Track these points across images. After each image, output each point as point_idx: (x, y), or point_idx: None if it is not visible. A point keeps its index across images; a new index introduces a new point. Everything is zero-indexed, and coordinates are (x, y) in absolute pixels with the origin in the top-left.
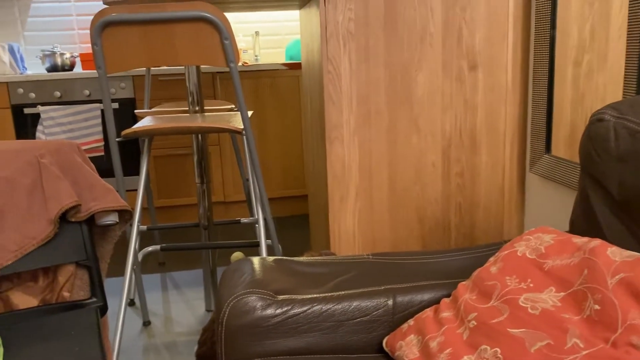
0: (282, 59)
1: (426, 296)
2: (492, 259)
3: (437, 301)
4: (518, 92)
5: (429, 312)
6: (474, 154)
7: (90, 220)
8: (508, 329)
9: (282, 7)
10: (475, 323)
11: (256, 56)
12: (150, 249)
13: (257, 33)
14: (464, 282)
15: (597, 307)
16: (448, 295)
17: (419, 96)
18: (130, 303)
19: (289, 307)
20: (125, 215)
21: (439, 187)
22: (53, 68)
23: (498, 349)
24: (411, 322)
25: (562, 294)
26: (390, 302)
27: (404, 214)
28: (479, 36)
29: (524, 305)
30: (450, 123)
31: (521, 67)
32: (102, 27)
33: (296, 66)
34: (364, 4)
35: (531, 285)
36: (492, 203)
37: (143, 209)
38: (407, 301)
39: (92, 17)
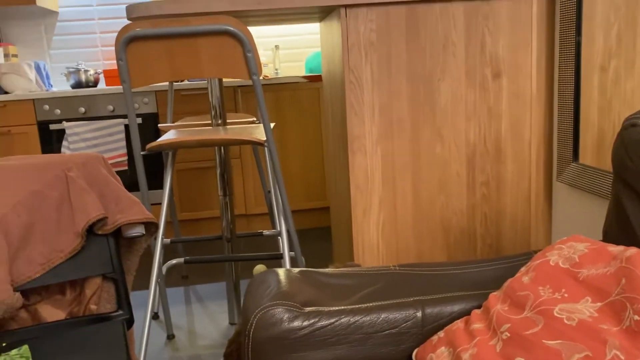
0: (302, 72)
1: (456, 307)
2: (523, 269)
3: (467, 312)
4: (543, 100)
5: (459, 323)
6: (499, 163)
7: (117, 233)
8: (543, 341)
9: (303, 20)
10: (508, 334)
11: (276, 69)
12: (174, 261)
13: (277, 47)
14: (495, 293)
15: (637, 317)
16: (478, 307)
17: (442, 105)
18: (154, 316)
19: (316, 319)
20: (151, 228)
21: (463, 197)
22: (77, 85)
23: None
24: (441, 334)
25: (599, 304)
26: (419, 313)
27: (429, 225)
28: (503, 43)
29: (559, 316)
30: (474, 132)
31: (546, 73)
32: (127, 42)
33: (316, 79)
34: (386, 14)
35: (566, 295)
36: (519, 213)
37: (166, 222)
38: (437, 313)
39: (115, 35)
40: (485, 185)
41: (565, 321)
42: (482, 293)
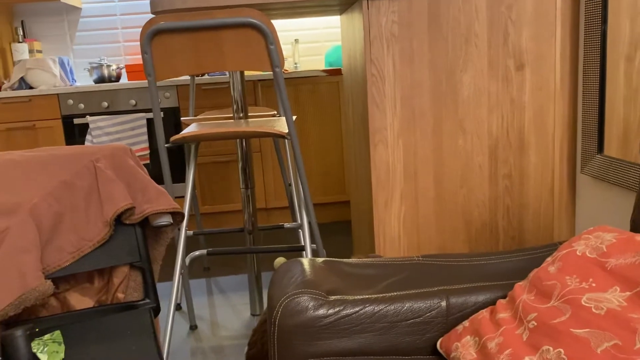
0: (322, 66)
1: (481, 297)
2: (549, 259)
3: (492, 302)
4: (567, 91)
5: (484, 313)
6: (522, 155)
7: (144, 223)
8: (571, 329)
9: (323, 13)
10: (535, 323)
11: (296, 63)
12: (197, 253)
13: (296, 41)
14: (520, 283)
15: None
16: (503, 297)
17: (464, 97)
18: (177, 307)
19: (341, 308)
20: (177, 217)
21: (486, 190)
22: (100, 79)
23: (562, 350)
24: (466, 323)
25: (628, 293)
26: (443, 303)
27: (450, 218)
28: (526, 34)
29: (587, 305)
30: (497, 124)
31: (570, 64)
32: (151, 35)
33: (336, 72)
34: (408, 6)
35: (593, 284)
36: (542, 205)
37: (189, 214)
38: (461, 302)
39: (136, 30)
40: (508, 178)
41: (594, 310)
42: (507, 283)
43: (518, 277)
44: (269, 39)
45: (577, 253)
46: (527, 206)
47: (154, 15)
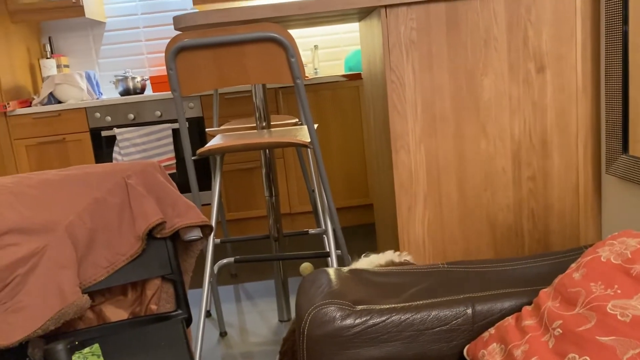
0: (342, 71)
1: (506, 304)
2: (574, 265)
3: (517, 309)
4: (589, 91)
5: (510, 320)
6: (546, 157)
7: (174, 236)
8: (597, 337)
9: (342, 21)
10: (560, 331)
11: (315, 69)
12: (224, 261)
13: (315, 47)
14: (545, 290)
15: None
16: (529, 303)
17: (485, 101)
18: (207, 314)
19: (368, 317)
20: (206, 230)
21: (510, 193)
22: (126, 92)
23: (587, 358)
24: (492, 330)
25: None
26: (469, 310)
27: (475, 221)
28: (546, 36)
29: (612, 312)
30: (519, 126)
31: (592, 65)
32: (176, 52)
33: (356, 77)
34: (426, 12)
35: (619, 291)
36: (567, 207)
37: (217, 222)
38: (487, 310)
39: (160, 42)
40: (532, 180)
41: (619, 317)
42: (532, 290)
43: (543, 283)
44: (289, 52)
45: (602, 259)
46: (552, 208)
47: (175, 27)
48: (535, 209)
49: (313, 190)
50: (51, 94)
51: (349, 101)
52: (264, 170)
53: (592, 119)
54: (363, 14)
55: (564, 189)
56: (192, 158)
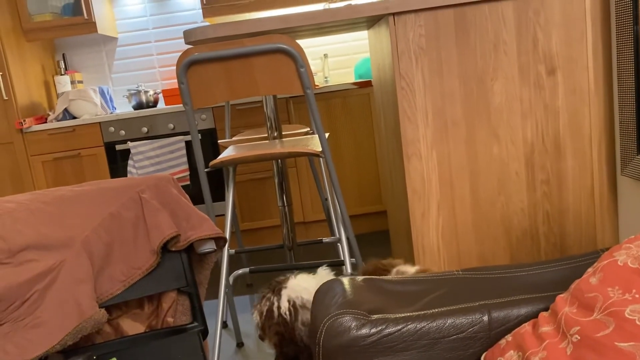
0: (352, 79)
1: (523, 310)
2: (590, 270)
3: (534, 315)
4: (602, 93)
5: (527, 326)
6: (559, 160)
7: (189, 249)
8: (615, 343)
9: (350, 30)
10: (578, 337)
11: (326, 77)
12: (240, 271)
13: (325, 55)
14: (562, 295)
15: None
16: (545, 309)
17: (496, 105)
18: (223, 325)
19: (383, 327)
20: (220, 242)
21: (524, 196)
22: (139, 105)
23: None
24: (509, 337)
25: None
26: (485, 318)
27: (489, 226)
28: (556, 39)
29: (630, 317)
30: (531, 130)
31: (603, 66)
32: (187, 66)
33: (366, 84)
34: (434, 18)
35: (637, 296)
36: (583, 209)
37: (231, 233)
38: (503, 316)
39: (171, 55)
40: (546, 183)
41: (638, 322)
42: (548, 295)
43: (560, 288)
44: (298, 63)
45: (619, 263)
46: (568, 211)
47: (186, 41)
48: (550, 212)
49: (326, 199)
50: (66, 109)
51: (360, 108)
52: (276, 180)
53: (606, 120)
54: (371, 22)
55: (579, 191)
56: (205, 170)
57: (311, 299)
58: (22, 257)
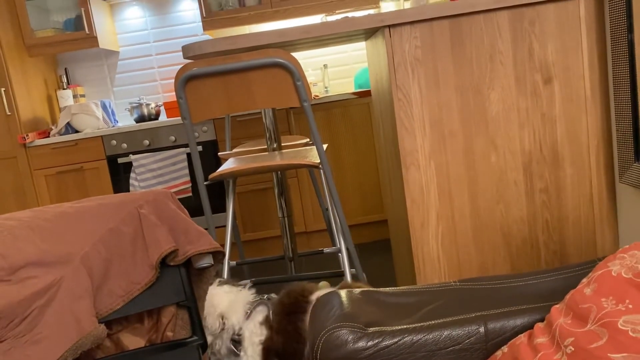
0: (352, 88)
1: (519, 321)
2: (585, 280)
3: (530, 326)
4: (598, 101)
5: (522, 338)
6: (558, 169)
7: (187, 263)
8: (609, 354)
9: (348, 41)
10: (572, 349)
11: (326, 88)
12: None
13: (325, 66)
14: (557, 306)
15: None
16: (541, 320)
17: (493, 115)
18: None
19: (380, 340)
20: (219, 256)
21: (523, 205)
22: (141, 118)
23: None
24: (505, 349)
25: None
26: (482, 329)
27: (489, 235)
28: (552, 48)
29: (623, 328)
30: (529, 139)
31: (599, 74)
32: (185, 81)
33: (366, 94)
34: (429, 30)
35: (630, 306)
36: (582, 217)
37: (231, 244)
38: (500, 328)
39: (172, 68)
40: (545, 192)
41: (631, 333)
42: (544, 306)
43: (556, 298)
44: (295, 76)
45: (613, 273)
46: (567, 219)
47: (184, 56)
48: (549, 220)
49: (327, 209)
50: (68, 123)
51: (360, 118)
52: (276, 191)
53: (603, 128)
54: (368, 33)
55: (578, 199)
56: (205, 183)
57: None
58: (22, 274)
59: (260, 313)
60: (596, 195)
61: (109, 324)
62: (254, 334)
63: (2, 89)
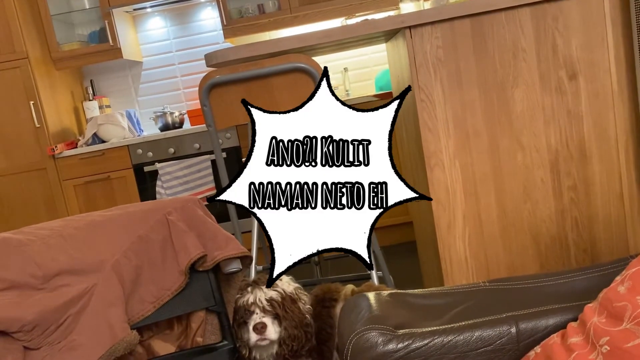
0: (373, 91)
1: (551, 321)
2: (618, 278)
3: (563, 326)
4: (626, 96)
5: (555, 337)
6: (586, 165)
7: (216, 268)
8: None
9: (368, 44)
10: (608, 348)
11: (347, 91)
12: None
13: (345, 69)
14: (590, 305)
15: None
16: (574, 319)
17: (518, 113)
18: None
19: (410, 342)
20: (246, 260)
21: (551, 204)
22: (165, 127)
23: None
24: (538, 349)
25: None
26: (513, 329)
27: (517, 235)
28: (576, 43)
29: None
30: (555, 136)
31: (626, 69)
32: (209, 89)
33: (387, 96)
34: (451, 29)
35: None
36: (612, 214)
37: (258, 249)
38: (531, 327)
39: (195, 77)
40: (573, 190)
41: None
42: (576, 305)
43: (588, 297)
44: (316, 80)
45: None
46: (597, 217)
47: (207, 64)
48: (579, 218)
49: None
50: (95, 134)
51: None
52: None
53: (631, 123)
54: (389, 35)
55: (608, 196)
56: None
57: None
58: (55, 282)
59: None
60: (626, 192)
61: (140, 331)
62: None
63: (31, 102)
